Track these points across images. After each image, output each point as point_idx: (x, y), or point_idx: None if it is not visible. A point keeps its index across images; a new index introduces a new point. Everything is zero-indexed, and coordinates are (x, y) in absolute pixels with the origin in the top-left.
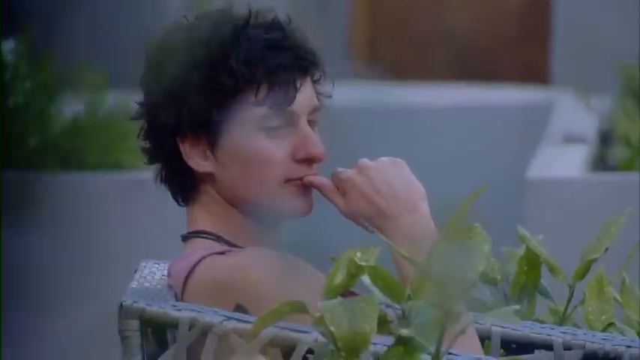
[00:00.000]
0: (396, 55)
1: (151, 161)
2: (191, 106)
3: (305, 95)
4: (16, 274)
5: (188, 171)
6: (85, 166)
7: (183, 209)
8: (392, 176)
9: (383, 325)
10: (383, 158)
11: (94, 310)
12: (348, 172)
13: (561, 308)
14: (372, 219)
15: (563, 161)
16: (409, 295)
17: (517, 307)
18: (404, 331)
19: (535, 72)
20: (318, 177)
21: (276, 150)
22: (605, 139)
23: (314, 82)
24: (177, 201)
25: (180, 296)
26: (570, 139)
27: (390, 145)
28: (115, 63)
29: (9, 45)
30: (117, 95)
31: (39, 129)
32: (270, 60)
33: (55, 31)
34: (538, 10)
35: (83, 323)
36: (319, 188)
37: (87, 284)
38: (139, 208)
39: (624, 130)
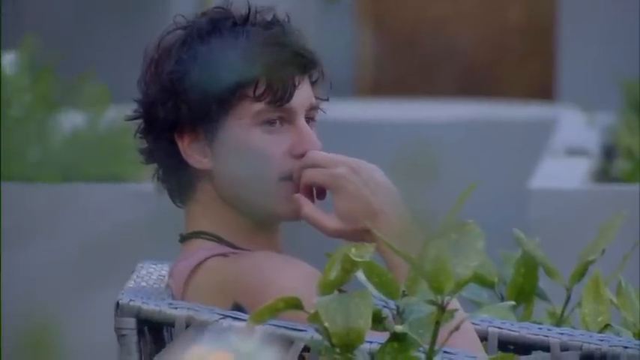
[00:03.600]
0: (401, 72)
1: (149, 161)
2: (189, 101)
3: (303, 93)
4: (15, 288)
5: (186, 169)
6: (85, 179)
7: (180, 223)
8: (378, 178)
9: (377, 321)
10: (361, 161)
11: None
12: (340, 170)
13: (559, 310)
14: (363, 218)
15: (565, 173)
16: (404, 292)
17: (513, 302)
18: (398, 328)
19: (540, 88)
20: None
21: (273, 146)
22: (608, 152)
23: (312, 83)
24: (174, 202)
25: (180, 296)
26: (573, 151)
27: (395, 160)
28: (116, 76)
29: (9, 57)
30: (118, 108)
31: (39, 142)
32: (269, 55)
33: (56, 44)
34: (542, 26)
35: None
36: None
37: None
38: (138, 220)
39: (627, 142)
